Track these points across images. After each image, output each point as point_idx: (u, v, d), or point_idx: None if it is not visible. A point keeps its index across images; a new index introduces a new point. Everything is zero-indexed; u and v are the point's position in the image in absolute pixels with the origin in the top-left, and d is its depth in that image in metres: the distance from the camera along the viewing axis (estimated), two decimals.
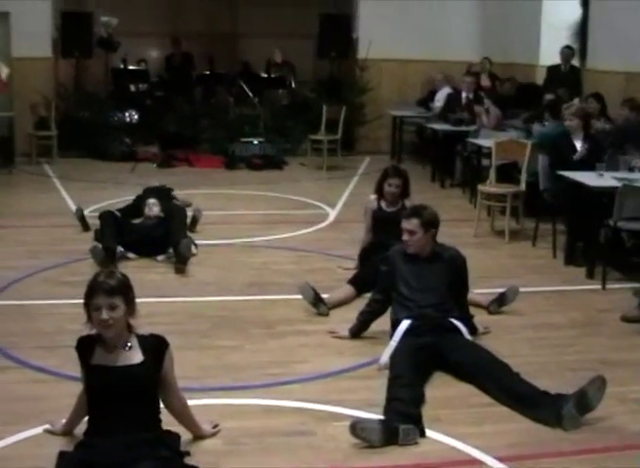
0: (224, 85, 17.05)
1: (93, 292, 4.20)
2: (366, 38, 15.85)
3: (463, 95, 13.39)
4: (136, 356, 4.28)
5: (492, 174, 9.95)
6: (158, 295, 7.12)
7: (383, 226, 7.45)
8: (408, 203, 7.42)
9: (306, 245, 9.02)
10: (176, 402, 4.46)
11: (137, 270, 7.82)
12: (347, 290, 7.14)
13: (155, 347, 4.37)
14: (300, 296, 6.83)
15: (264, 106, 16.11)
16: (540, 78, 14.27)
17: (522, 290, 7.17)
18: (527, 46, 15.12)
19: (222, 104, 16.43)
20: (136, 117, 15.51)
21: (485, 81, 15.08)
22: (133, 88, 16.67)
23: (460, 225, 9.87)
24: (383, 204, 7.65)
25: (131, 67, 17.02)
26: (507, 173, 10.27)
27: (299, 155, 15.22)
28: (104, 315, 4.15)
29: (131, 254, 8.42)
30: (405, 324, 5.65)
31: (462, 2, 16.29)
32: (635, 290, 7.00)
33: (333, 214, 10.63)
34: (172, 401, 4.45)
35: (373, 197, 7.74)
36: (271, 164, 14.39)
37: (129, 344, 4.29)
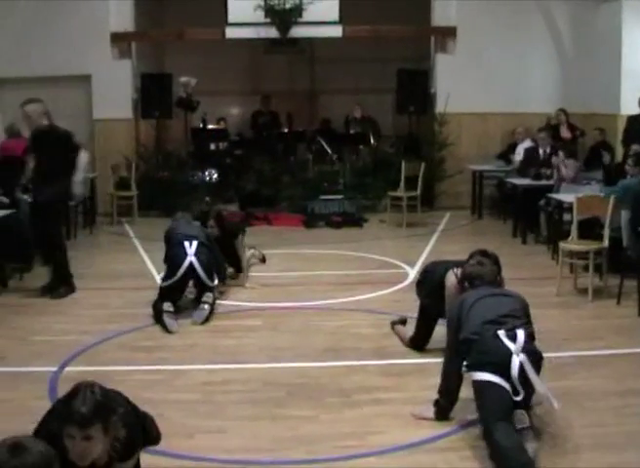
0: (303, 142, 17.13)
1: (65, 420, 3.54)
2: (444, 92, 15.80)
3: (540, 150, 13.24)
4: None
5: (573, 230, 9.73)
6: (233, 362, 7.06)
7: None
8: None
9: (385, 307, 8.87)
10: None
11: (211, 335, 7.83)
12: None
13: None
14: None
15: (343, 163, 16.11)
16: (621, 127, 14.01)
17: (606, 352, 6.98)
18: (607, 95, 14.89)
19: (301, 162, 16.49)
20: (215, 176, 15.66)
21: (565, 133, 14.87)
22: (212, 147, 16.83)
23: (543, 284, 9.65)
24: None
25: (210, 126, 17.20)
26: (590, 228, 10.03)
27: (378, 212, 15.15)
28: (79, 447, 3.53)
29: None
30: None
31: (540, 53, 16.14)
32: None
33: (413, 273, 10.47)
34: None
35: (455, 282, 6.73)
36: (351, 221, 14.35)
37: None
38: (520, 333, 5.34)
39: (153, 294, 8.75)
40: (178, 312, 8.45)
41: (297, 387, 6.48)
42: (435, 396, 5.80)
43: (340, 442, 5.48)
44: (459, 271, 6.57)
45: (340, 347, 7.53)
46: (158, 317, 8.26)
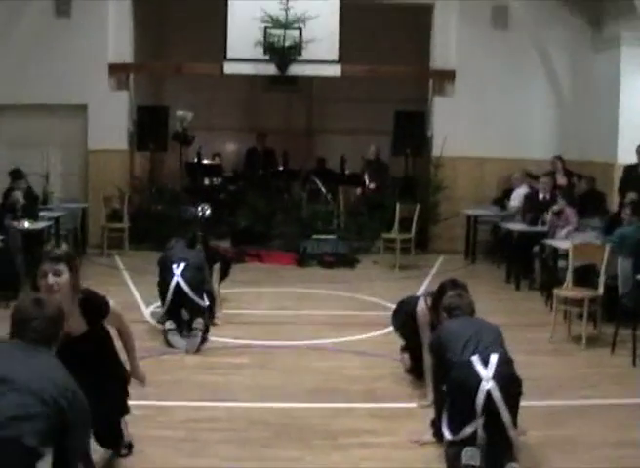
0: (298, 181, 17.06)
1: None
2: (441, 135, 15.77)
3: (540, 195, 13.17)
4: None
5: (569, 276, 9.62)
6: (219, 399, 6.91)
7: None
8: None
9: (377, 349, 8.70)
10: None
11: (198, 371, 7.69)
12: None
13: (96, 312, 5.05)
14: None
15: (338, 203, 16.03)
16: (617, 176, 13.97)
17: (600, 402, 6.87)
18: (604, 143, 14.87)
19: (296, 200, 16.39)
20: (208, 211, 15.53)
21: (561, 180, 14.80)
22: (207, 182, 16.76)
23: (536, 330, 9.52)
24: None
25: (205, 161, 17.12)
26: (585, 275, 9.93)
27: (371, 253, 15.03)
28: (50, 280, 4.71)
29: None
30: None
31: (538, 99, 16.14)
32: None
33: None
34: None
35: (425, 308, 6.80)
36: (343, 262, 14.22)
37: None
38: (493, 357, 5.33)
39: (139, 327, 8.61)
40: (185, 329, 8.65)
41: (283, 427, 6.31)
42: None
43: None
44: (429, 299, 6.72)
45: (328, 388, 7.37)
46: (165, 339, 8.52)
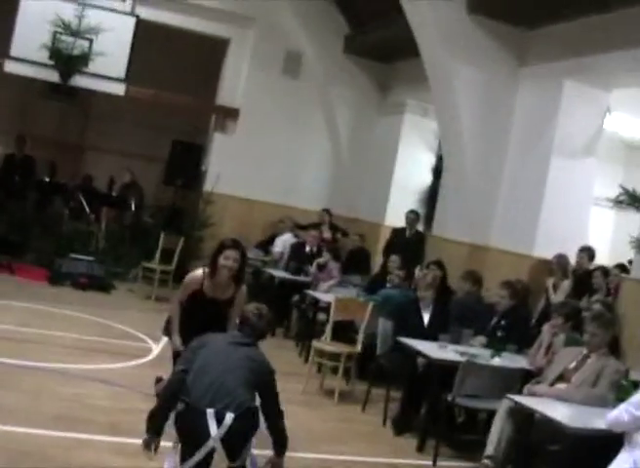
0: (62, 195, 16.34)
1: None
2: (215, 171, 15.62)
3: (307, 247, 13.25)
4: None
5: (328, 330, 9.61)
6: None
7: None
8: (242, 291, 6.83)
9: (124, 380, 8.34)
10: None
11: None
12: None
13: None
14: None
15: (100, 224, 15.48)
16: (383, 237, 14.27)
17: (350, 458, 6.87)
18: (375, 204, 15.20)
19: (57, 215, 15.70)
20: None
21: (326, 233, 14.93)
22: None
23: (288, 379, 9.30)
24: (209, 287, 6.83)
25: None
26: (343, 330, 9.98)
27: (129, 281, 14.60)
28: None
29: None
30: None
31: (317, 151, 16.42)
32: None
33: (156, 348, 9.99)
34: None
35: (198, 274, 6.90)
36: (98, 285, 13.66)
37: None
38: (229, 417, 4.93)
39: None
40: None
41: (20, 455, 5.83)
42: None
43: None
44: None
45: (73, 417, 6.94)
46: None
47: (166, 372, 8.41)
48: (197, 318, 6.61)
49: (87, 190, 16.47)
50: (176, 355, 6.92)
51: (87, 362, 8.81)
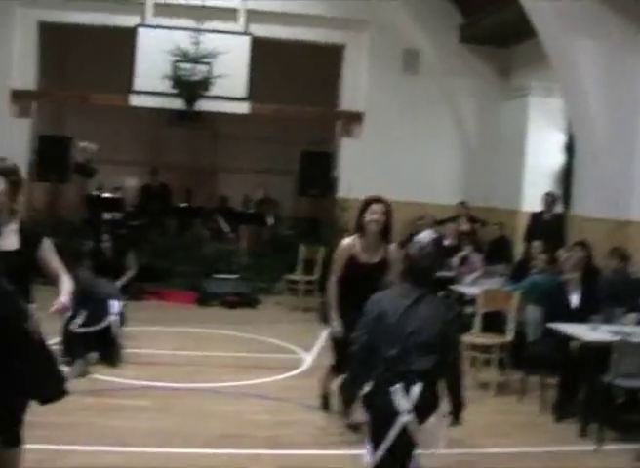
0: (201, 218, 16.74)
1: None
2: (347, 177, 15.68)
3: (446, 241, 13.15)
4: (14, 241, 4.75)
5: (477, 322, 9.51)
6: (118, 444, 6.53)
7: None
8: (392, 249, 6.79)
9: (280, 393, 8.44)
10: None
11: (95, 414, 7.30)
12: None
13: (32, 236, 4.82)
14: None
15: (240, 242, 15.74)
16: (521, 223, 14.05)
17: (511, 450, 6.78)
18: (509, 191, 14.98)
19: (197, 238, 16.07)
20: (108, 245, 15.04)
21: (464, 225, 14.80)
22: (107, 216, 16.28)
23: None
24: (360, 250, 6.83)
25: (106, 195, 16.67)
26: (492, 322, 9.85)
27: (274, 294, 14.78)
28: None
29: None
30: None
31: (445, 145, 16.25)
32: None
33: (308, 359, 10.09)
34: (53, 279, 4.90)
35: (347, 241, 6.98)
36: (245, 302, 13.91)
37: (12, 227, 4.74)
38: (415, 390, 4.84)
39: None
40: None
41: None
42: None
43: None
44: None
45: (233, 434, 7.05)
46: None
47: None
48: (355, 287, 6.42)
49: (224, 210, 16.81)
50: (335, 343, 6.95)
51: (243, 378, 8.95)
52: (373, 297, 5.15)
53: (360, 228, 6.80)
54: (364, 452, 5.06)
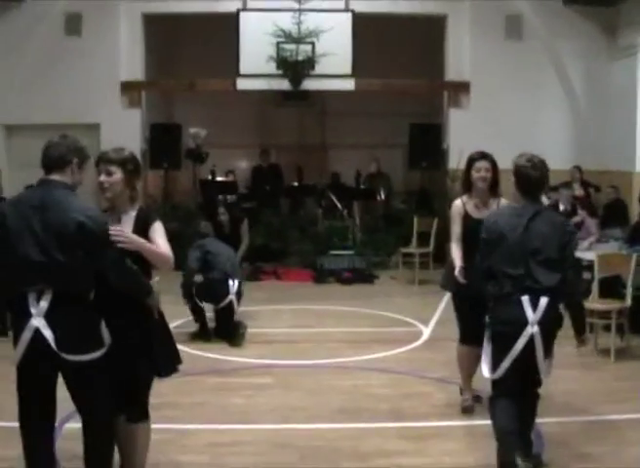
0: (313, 196, 16.89)
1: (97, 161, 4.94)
2: (457, 148, 15.57)
3: (561, 207, 12.97)
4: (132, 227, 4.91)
5: (595, 288, 9.41)
6: (243, 422, 6.72)
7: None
8: (504, 203, 6.65)
9: (400, 366, 8.52)
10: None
11: (220, 393, 7.50)
12: None
13: (145, 219, 4.95)
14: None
15: (354, 218, 15.85)
16: (636, 185, 13.79)
17: (632, 416, 6.67)
18: (622, 153, 14.69)
19: (311, 216, 16.23)
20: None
21: (578, 190, 14.60)
22: (221, 199, 16.58)
23: (561, 343, 9.21)
24: (472, 208, 6.83)
25: (219, 178, 16.96)
26: (610, 287, 9.72)
27: (389, 268, 14.85)
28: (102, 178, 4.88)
29: None
30: None
31: (554, 109, 16.02)
32: None
33: (427, 331, 10.15)
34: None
35: (458, 202, 6.96)
36: (361, 278, 14.05)
37: (131, 214, 4.95)
38: (543, 301, 5.04)
39: None
40: None
41: (311, 450, 6.10)
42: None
43: None
44: (465, 197, 6.88)
45: (355, 408, 7.16)
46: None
47: (439, 353, 8.61)
48: (474, 245, 6.01)
49: (336, 187, 16.91)
50: (461, 312, 7.07)
51: (361, 353, 9.05)
52: (488, 218, 5.42)
53: (468, 186, 6.82)
54: (484, 368, 5.29)
